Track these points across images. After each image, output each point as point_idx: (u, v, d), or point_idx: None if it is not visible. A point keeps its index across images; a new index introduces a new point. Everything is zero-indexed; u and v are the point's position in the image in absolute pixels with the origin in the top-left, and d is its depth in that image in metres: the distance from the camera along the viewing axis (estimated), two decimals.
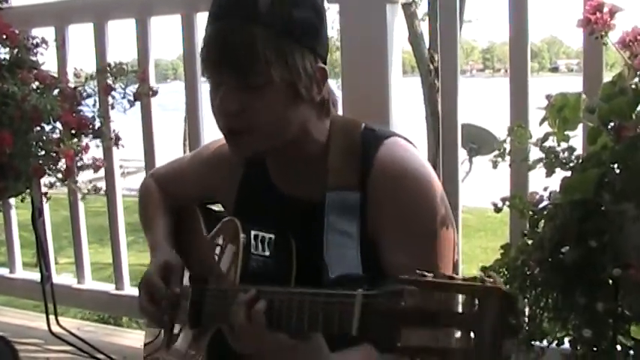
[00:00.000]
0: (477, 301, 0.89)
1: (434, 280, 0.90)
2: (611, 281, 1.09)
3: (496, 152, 1.31)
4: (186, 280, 1.52)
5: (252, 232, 1.33)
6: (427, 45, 8.62)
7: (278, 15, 1.23)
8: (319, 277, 1.27)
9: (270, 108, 1.26)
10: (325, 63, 1.33)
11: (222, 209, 1.62)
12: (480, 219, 10.95)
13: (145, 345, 1.65)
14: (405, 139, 1.40)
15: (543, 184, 1.25)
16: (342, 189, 1.31)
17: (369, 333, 0.99)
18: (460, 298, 0.91)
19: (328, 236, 1.28)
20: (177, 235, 1.62)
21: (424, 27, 9.09)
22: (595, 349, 1.11)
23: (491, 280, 0.89)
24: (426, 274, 0.91)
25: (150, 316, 1.49)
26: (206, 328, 1.39)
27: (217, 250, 1.44)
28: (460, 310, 0.91)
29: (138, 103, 2.28)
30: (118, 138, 2.20)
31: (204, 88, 2.41)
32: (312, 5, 1.29)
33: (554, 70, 60.73)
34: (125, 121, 2.26)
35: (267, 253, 1.33)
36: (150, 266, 1.49)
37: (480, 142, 7.23)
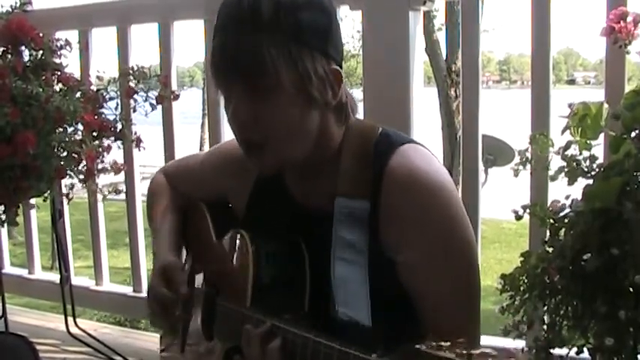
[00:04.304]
0: None
1: (446, 357, 0.85)
2: (632, 290, 1.09)
3: (517, 160, 1.31)
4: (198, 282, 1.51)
5: (265, 245, 1.30)
6: (444, 56, 8.60)
7: (283, 20, 1.17)
8: (326, 298, 1.23)
9: (283, 114, 1.21)
10: (340, 66, 1.27)
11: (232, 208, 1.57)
12: (494, 230, 10.91)
13: (161, 352, 1.63)
14: (422, 145, 1.32)
15: (563, 192, 1.25)
16: (351, 197, 1.25)
17: None
18: None
19: (336, 252, 1.23)
20: (186, 233, 1.59)
21: (441, 37, 9.10)
22: (615, 358, 1.11)
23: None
24: (443, 344, 0.86)
25: (167, 327, 1.48)
26: (219, 341, 1.37)
27: (228, 257, 1.41)
28: None
29: (158, 109, 2.31)
30: (139, 140, 2.22)
31: None
32: (319, 6, 1.23)
33: (571, 82, 60.34)
34: (142, 128, 2.28)
35: (279, 267, 1.29)
36: (151, 279, 1.46)
37: (496, 153, 7.22)
